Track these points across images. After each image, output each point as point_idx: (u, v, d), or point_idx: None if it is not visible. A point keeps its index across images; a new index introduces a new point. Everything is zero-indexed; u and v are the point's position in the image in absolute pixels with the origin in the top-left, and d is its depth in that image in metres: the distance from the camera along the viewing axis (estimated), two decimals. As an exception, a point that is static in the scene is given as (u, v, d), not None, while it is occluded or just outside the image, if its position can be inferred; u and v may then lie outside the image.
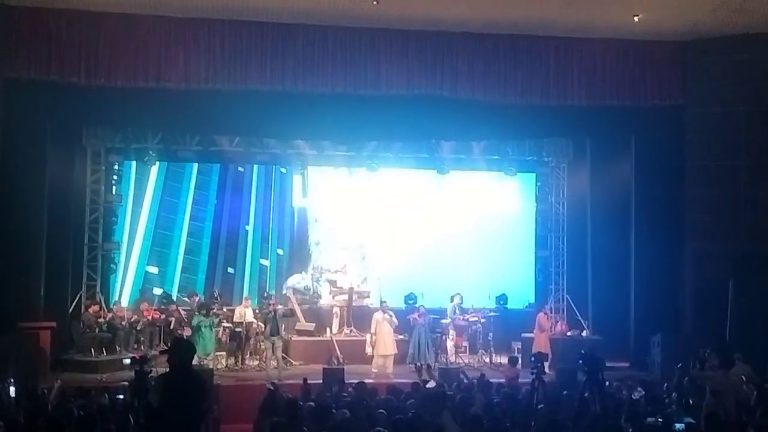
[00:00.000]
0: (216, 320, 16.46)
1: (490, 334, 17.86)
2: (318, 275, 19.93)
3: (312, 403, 10.30)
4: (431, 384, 12.20)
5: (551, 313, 18.05)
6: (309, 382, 12.54)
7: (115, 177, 18.61)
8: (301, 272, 20.01)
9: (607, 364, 14.09)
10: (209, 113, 16.00)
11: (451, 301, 18.19)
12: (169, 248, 19.80)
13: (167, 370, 7.50)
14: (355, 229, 20.07)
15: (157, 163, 18.94)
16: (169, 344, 10.78)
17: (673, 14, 15.19)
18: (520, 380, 13.19)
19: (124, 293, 19.05)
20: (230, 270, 20.23)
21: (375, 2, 14.43)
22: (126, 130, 18.07)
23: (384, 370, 16.32)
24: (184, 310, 17.34)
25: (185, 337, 15.32)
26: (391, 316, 16.90)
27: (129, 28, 15.02)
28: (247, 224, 20.50)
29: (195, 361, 15.18)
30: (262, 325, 16.48)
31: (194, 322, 16.08)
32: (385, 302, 17.43)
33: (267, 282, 20.16)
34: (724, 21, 15.34)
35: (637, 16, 15.14)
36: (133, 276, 19.35)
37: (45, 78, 14.83)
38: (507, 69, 16.04)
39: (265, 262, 20.39)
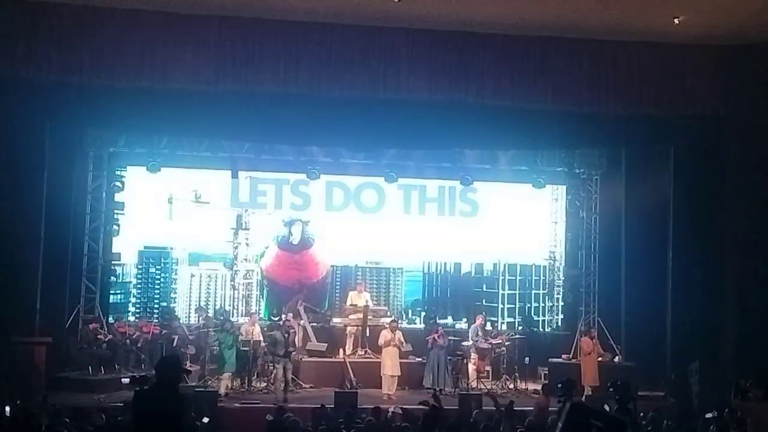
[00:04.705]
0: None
1: (527, 359, 17.55)
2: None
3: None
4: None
5: (596, 337, 17.49)
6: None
7: (117, 183, 18.47)
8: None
9: (641, 393, 14.10)
10: (218, 117, 15.90)
11: (474, 321, 17.94)
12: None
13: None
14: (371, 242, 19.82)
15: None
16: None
17: (717, 16, 14.93)
18: (550, 409, 12.91)
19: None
20: None
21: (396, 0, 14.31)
22: (130, 133, 18.08)
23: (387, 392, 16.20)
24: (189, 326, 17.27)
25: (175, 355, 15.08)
26: (393, 333, 16.74)
27: (134, 24, 14.92)
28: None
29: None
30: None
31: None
32: (394, 320, 17.32)
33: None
34: (773, 24, 15.14)
35: (678, 18, 14.87)
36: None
37: (45, 77, 14.75)
38: (537, 73, 15.82)
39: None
